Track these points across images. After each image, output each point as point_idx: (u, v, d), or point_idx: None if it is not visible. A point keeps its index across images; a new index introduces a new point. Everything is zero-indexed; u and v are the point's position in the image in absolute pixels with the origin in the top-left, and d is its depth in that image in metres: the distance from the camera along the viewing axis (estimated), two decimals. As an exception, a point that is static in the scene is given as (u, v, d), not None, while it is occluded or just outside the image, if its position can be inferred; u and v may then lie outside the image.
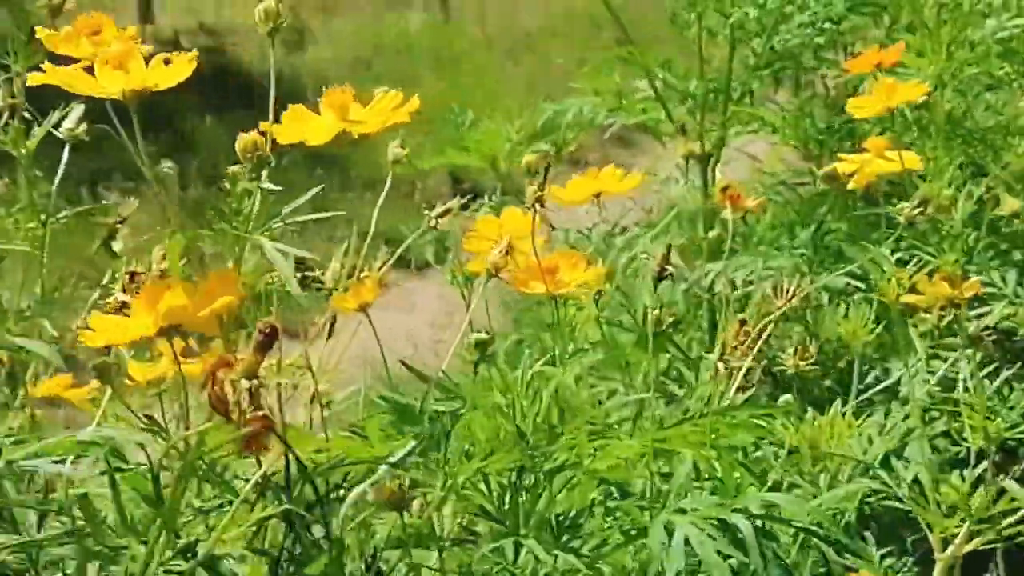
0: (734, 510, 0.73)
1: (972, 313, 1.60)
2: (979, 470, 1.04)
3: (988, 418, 1.02)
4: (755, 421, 0.84)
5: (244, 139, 0.85)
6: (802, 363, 1.03)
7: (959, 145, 1.70)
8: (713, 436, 0.82)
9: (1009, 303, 1.51)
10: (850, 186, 1.18)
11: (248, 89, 6.49)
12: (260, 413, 0.72)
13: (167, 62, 0.85)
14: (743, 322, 1.03)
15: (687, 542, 0.71)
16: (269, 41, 0.95)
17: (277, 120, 0.90)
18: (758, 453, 0.98)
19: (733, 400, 0.94)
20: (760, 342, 1.01)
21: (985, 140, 1.76)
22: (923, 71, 1.67)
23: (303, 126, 0.92)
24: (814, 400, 1.25)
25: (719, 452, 0.86)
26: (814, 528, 0.76)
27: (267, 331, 0.74)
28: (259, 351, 0.73)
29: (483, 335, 0.89)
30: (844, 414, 1.02)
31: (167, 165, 0.92)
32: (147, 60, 0.84)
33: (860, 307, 1.13)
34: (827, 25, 1.82)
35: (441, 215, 1.04)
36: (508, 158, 1.73)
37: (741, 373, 0.99)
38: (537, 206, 0.99)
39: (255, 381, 0.72)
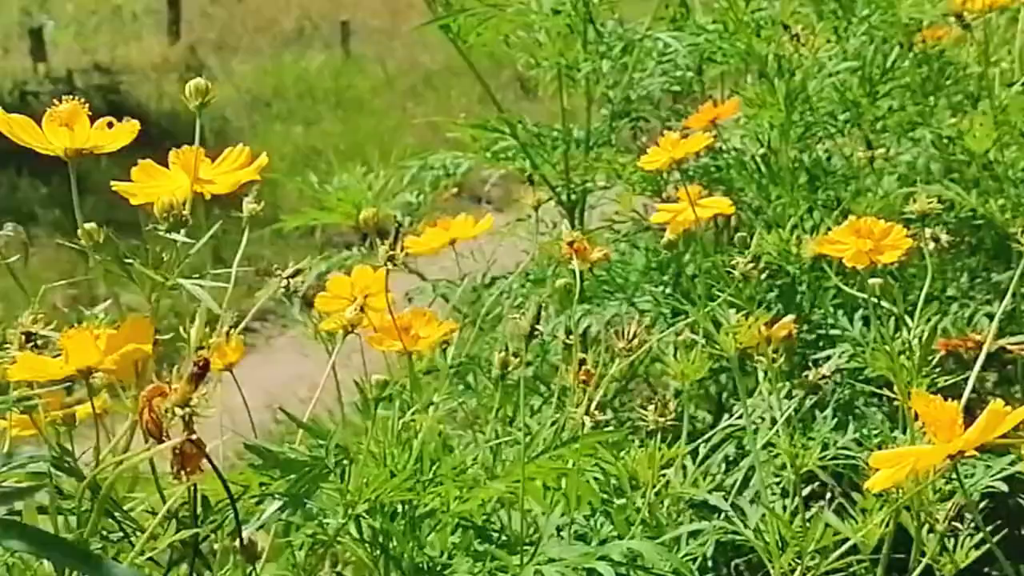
0: (599, 558, 0.78)
1: (822, 355, 1.67)
2: (816, 502, 1.09)
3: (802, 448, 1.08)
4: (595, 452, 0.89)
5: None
6: (661, 419, 1.07)
7: (803, 190, 1.77)
8: (565, 468, 0.87)
9: (855, 344, 1.57)
10: (666, 234, 1.24)
11: (143, 129, 6.45)
12: (194, 437, 0.77)
13: (110, 125, 0.88)
14: (582, 362, 1.08)
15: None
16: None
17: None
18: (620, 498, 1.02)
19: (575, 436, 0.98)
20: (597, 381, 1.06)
21: (837, 185, 1.84)
22: (764, 121, 1.75)
23: (154, 185, 0.95)
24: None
25: (576, 484, 0.90)
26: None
27: (201, 364, 0.79)
28: (192, 382, 0.78)
29: (380, 377, 0.93)
30: (667, 447, 1.07)
31: (9, 227, 0.95)
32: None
33: (697, 351, 1.18)
34: (681, 74, 1.88)
35: (292, 276, 1.07)
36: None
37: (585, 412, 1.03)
38: (390, 263, 1.02)
39: (188, 409, 0.77)
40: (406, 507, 0.93)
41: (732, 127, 2.17)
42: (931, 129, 1.66)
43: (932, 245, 1.24)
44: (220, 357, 1.08)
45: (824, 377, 1.25)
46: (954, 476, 1.07)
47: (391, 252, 1.04)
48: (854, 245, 1.14)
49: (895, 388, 1.11)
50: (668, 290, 1.86)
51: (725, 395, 1.79)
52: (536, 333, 1.12)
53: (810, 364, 1.71)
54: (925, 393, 0.85)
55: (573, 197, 1.89)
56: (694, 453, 1.21)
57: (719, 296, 1.33)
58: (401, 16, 7.53)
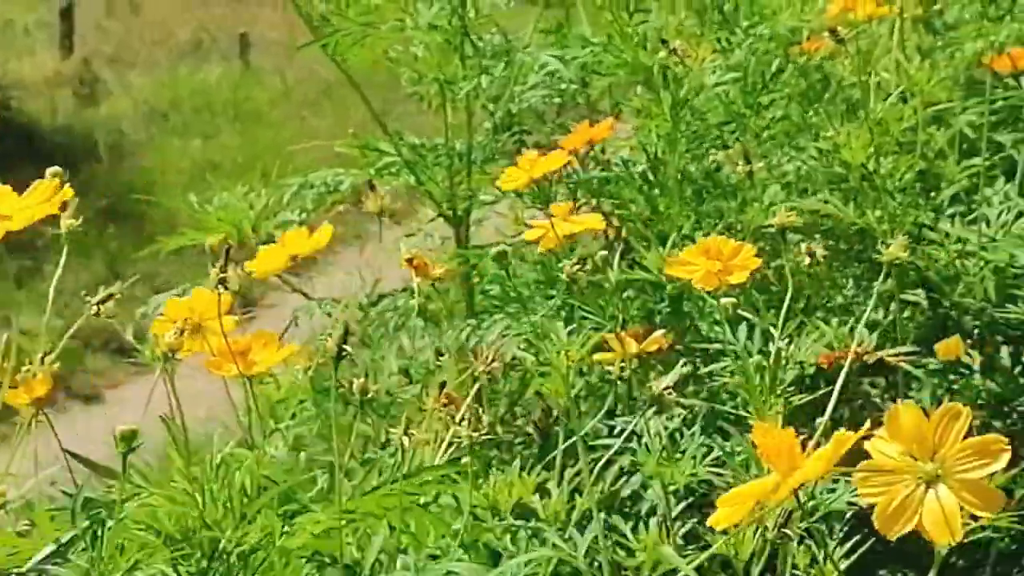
0: None
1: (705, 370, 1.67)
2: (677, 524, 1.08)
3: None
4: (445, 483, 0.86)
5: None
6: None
7: (691, 202, 1.76)
8: (410, 500, 0.84)
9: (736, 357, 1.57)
10: (538, 250, 1.23)
11: (35, 144, 6.32)
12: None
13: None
14: (442, 385, 1.05)
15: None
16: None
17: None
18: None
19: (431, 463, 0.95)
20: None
21: (724, 196, 1.83)
22: (652, 132, 1.74)
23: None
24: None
25: (416, 516, 0.87)
26: None
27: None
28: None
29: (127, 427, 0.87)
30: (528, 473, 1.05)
31: None
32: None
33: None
34: (565, 87, 1.87)
35: (103, 301, 1.02)
36: (254, 232, 1.72)
37: (445, 438, 1.01)
38: (222, 287, 0.99)
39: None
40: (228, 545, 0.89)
41: (621, 140, 2.17)
42: (810, 141, 1.66)
43: (808, 260, 1.23)
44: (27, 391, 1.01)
45: (667, 388, 1.21)
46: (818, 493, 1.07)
47: (222, 275, 1.00)
48: (703, 266, 1.13)
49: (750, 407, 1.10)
50: (559, 304, 1.85)
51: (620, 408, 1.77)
52: (344, 353, 1.08)
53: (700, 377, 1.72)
54: (762, 424, 0.84)
55: (459, 212, 1.86)
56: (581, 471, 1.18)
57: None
58: (300, 28, 7.45)
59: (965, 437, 0.80)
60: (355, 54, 1.79)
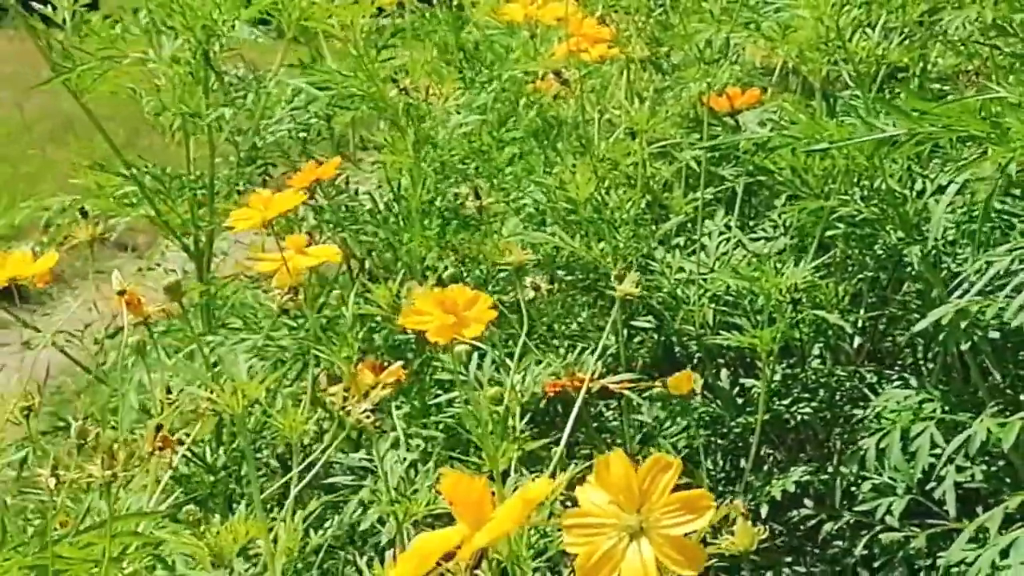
0: None
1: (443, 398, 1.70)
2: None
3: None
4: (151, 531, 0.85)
5: None
6: (107, 473, 0.94)
7: (435, 234, 1.81)
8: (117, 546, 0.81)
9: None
10: (273, 284, 1.23)
11: None
12: None
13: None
14: (159, 427, 1.03)
15: None
16: None
17: None
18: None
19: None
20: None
21: (467, 227, 1.88)
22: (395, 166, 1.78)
23: None
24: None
25: (103, 567, 0.83)
26: None
27: None
28: None
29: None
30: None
31: None
32: None
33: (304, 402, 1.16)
34: (310, 119, 1.89)
35: None
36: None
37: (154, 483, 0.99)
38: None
39: None
40: None
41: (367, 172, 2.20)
42: (538, 179, 1.73)
43: (533, 293, 1.28)
44: None
45: (366, 412, 1.20)
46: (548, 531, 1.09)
47: None
48: (438, 319, 1.11)
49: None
50: (299, 336, 1.85)
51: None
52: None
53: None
54: (451, 472, 0.80)
55: (200, 244, 1.85)
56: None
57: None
58: (40, 63, 7.18)
59: (675, 489, 0.78)
60: (97, 87, 1.77)
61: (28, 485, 1.17)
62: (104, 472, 0.79)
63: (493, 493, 0.79)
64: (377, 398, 1.06)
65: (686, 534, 0.77)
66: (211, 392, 1.02)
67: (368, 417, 1.05)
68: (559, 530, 1.15)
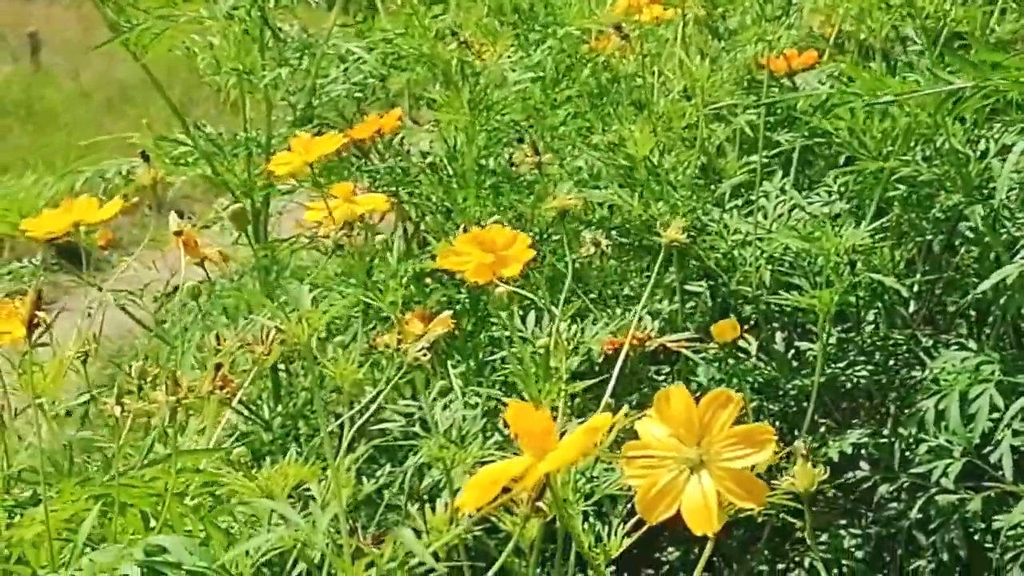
0: (125, 558, 0.74)
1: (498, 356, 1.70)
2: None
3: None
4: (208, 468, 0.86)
5: None
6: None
7: (489, 194, 1.80)
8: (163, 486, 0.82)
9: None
10: (321, 233, 1.22)
11: None
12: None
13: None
14: (219, 367, 1.04)
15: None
16: None
17: None
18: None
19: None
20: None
21: (519, 191, 1.88)
22: (450, 125, 1.78)
23: None
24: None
25: (165, 500, 0.84)
26: (202, 570, 0.77)
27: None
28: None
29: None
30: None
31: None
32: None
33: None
34: (364, 80, 1.89)
35: None
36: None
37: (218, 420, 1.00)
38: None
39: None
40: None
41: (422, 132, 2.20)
42: (599, 136, 1.72)
43: (593, 249, 1.27)
44: None
45: (423, 351, 1.17)
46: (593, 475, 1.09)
47: None
48: (477, 258, 1.10)
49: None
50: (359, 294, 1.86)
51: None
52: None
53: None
54: (516, 403, 0.78)
55: (256, 204, 1.86)
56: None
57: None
58: (95, 28, 7.24)
59: (735, 424, 0.77)
60: (154, 48, 1.78)
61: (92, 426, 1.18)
62: (168, 398, 0.80)
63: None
64: (432, 337, 1.06)
65: (747, 468, 0.77)
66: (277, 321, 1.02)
67: (424, 355, 1.05)
68: (607, 469, 1.16)
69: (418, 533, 1.08)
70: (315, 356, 1.44)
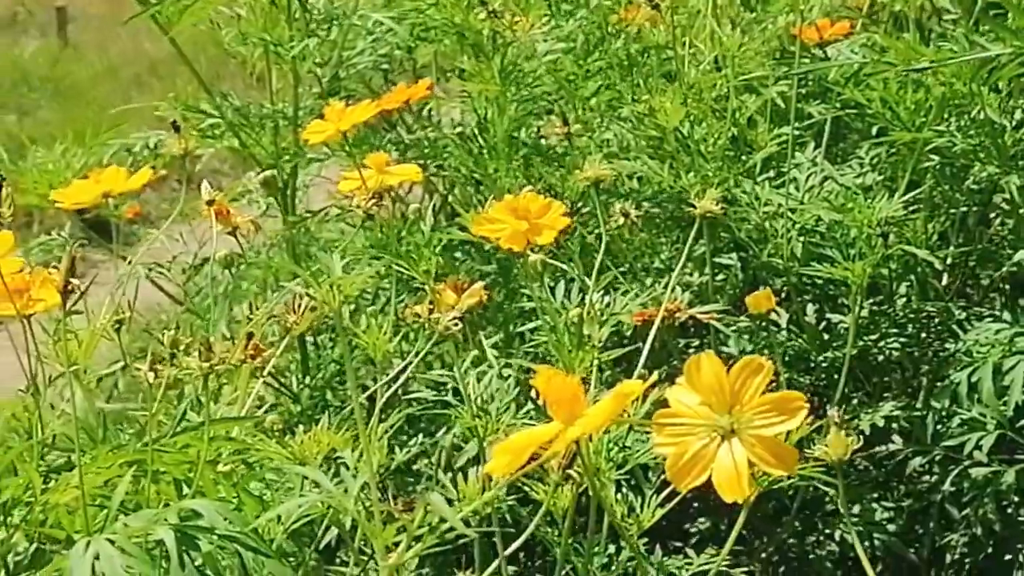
0: (159, 522, 0.74)
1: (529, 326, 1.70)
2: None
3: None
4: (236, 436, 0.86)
5: None
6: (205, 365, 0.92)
7: (520, 166, 1.79)
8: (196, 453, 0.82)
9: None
10: (356, 202, 1.22)
11: None
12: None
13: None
14: (250, 336, 1.04)
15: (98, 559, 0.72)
16: None
17: None
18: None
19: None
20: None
21: (549, 163, 1.87)
22: (481, 95, 1.77)
23: None
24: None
25: (198, 467, 0.84)
26: (236, 535, 0.77)
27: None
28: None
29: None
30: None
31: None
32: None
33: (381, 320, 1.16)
34: (391, 51, 1.88)
35: None
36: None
37: (249, 389, 1.00)
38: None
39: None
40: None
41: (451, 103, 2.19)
42: (630, 107, 1.71)
43: (622, 219, 1.27)
44: None
45: (455, 320, 1.16)
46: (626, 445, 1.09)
47: None
48: (511, 225, 1.09)
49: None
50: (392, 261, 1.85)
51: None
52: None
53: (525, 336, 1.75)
54: (545, 368, 0.77)
55: (284, 175, 1.86)
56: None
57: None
58: (122, 3, 7.24)
59: (766, 392, 0.76)
60: (182, 22, 1.77)
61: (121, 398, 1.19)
62: (202, 364, 0.80)
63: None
64: (464, 307, 1.06)
65: (778, 436, 0.76)
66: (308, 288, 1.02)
67: (456, 325, 1.05)
68: (641, 440, 1.15)
69: (451, 503, 1.08)
70: (346, 325, 1.44)
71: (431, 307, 1.08)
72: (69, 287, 0.86)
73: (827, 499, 1.58)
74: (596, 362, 1.12)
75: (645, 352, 1.15)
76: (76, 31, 7.68)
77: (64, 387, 0.97)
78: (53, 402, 0.98)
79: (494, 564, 0.94)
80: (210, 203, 1.10)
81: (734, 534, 0.96)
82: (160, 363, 0.83)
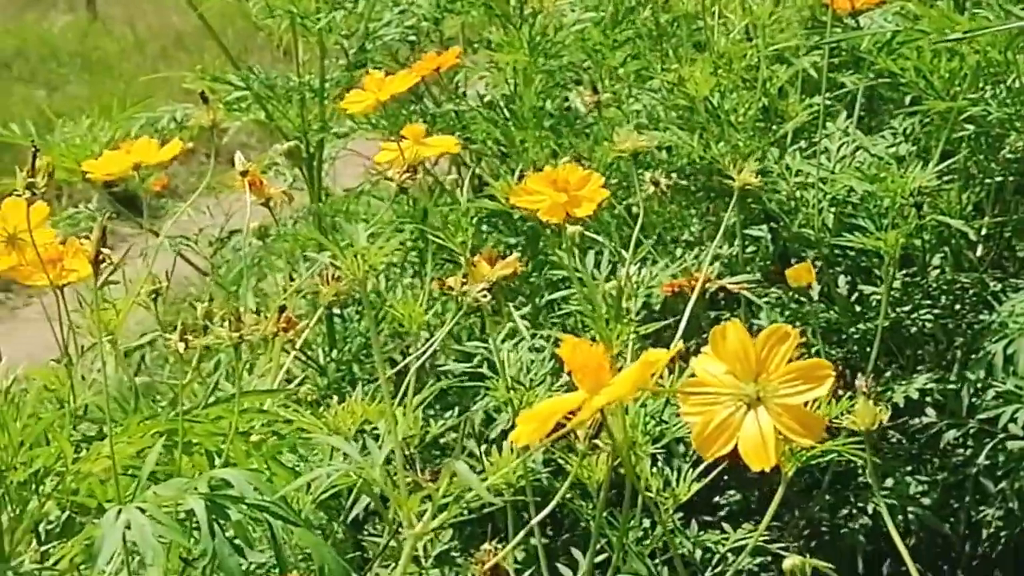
0: (189, 492, 0.74)
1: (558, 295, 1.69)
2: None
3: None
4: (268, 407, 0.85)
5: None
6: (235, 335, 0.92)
7: (548, 136, 1.78)
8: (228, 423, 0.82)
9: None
10: (390, 175, 1.21)
11: None
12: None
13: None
14: (283, 308, 1.04)
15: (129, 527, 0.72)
16: None
17: None
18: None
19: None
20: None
21: (577, 134, 1.85)
22: (509, 66, 1.76)
23: None
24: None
25: (230, 438, 0.84)
26: (266, 504, 0.77)
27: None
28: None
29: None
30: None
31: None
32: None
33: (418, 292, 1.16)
34: (418, 23, 1.87)
35: None
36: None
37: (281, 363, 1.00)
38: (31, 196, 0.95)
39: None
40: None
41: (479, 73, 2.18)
42: (659, 76, 1.69)
43: (652, 189, 1.25)
44: None
45: (484, 291, 1.14)
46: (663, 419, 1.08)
47: (31, 179, 0.95)
48: (550, 197, 1.09)
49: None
50: (413, 239, 1.85)
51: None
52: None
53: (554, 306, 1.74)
54: (570, 338, 0.77)
55: (311, 149, 1.85)
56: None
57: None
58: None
59: (793, 360, 0.75)
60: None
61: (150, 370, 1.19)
62: (232, 334, 0.80)
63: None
64: (494, 277, 1.05)
65: (805, 404, 0.75)
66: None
67: (485, 296, 1.04)
68: (677, 415, 1.14)
69: (480, 474, 1.08)
70: (374, 296, 1.43)
71: (464, 279, 1.07)
72: (101, 257, 0.85)
73: (859, 472, 1.57)
74: (635, 334, 1.11)
75: (683, 324, 1.14)
76: (104, 5, 7.70)
77: (96, 358, 0.97)
78: (84, 373, 0.98)
79: (521, 533, 0.93)
80: (244, 174, 1.10)
81: (771, 509, 0.95)
82: (191, 334, 0.82)
